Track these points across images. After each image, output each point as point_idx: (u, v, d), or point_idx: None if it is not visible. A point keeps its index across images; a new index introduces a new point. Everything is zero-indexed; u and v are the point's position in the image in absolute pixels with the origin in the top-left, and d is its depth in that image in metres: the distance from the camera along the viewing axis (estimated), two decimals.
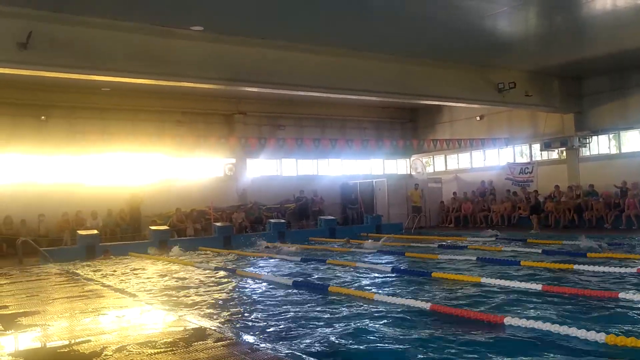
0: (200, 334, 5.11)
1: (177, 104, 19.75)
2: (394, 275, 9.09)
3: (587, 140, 19.23)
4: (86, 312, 6.42)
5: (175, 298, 7.81)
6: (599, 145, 19.25)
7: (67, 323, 5.90)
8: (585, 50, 15.59)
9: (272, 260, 12.16)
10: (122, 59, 11.83)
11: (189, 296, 7.90)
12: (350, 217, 22.11)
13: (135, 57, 11.96)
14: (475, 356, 4.59)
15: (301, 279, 9.01)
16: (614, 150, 18.93)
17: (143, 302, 7.28)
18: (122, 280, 9.96)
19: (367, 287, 8.02)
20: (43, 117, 17.73)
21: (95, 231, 15.09)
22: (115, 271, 11.30)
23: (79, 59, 11.40)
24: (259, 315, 6.44)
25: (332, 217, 19.19)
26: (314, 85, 14.62)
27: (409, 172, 25.45)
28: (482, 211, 20.32)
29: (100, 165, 18.47)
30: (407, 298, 6.82)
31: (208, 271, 10.53)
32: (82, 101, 18.02)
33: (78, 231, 14.91)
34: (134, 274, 10.72)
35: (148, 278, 10.11)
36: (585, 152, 19.47)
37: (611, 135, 18.95)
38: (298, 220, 20.79)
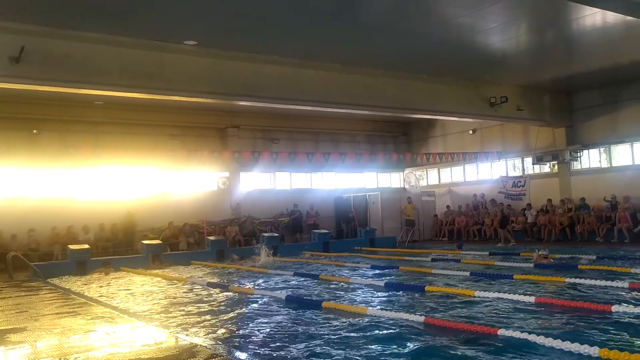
0: (191, 350, 5.05)
1: (171, 118, 19.75)
2: (387, 289, 9.05)
3: (578, 154, 19.37)
4: (76, 329, 6.35)
5: (166, 314, 7.73)
6: (590, 159, 19.39)
7: (56, 340, 5.82)
8: (575, 65, 15.77)
9: (265, 275, 12.10)
10: (116, 74, 11.86)
11: (180, 312, 7.82)
12: (345, 231, 22.07)
13: (129, 72, 11.99)
14: None
15: (294, 294, 8.96)
16: (604, 164, 19.06)
17: (134, 318, 7.21)
18: (112, 295, 9.85)
19: (360, 302, 7.98)
20: (35, 131, 17.67)
21: (87, 246, 14.95)
22: (105, 286, 11.19)
23: (73, 74, 11.43)
24: (251, 331, 6.38)
25: (326, 231, 19.14)
26: (307, 99, 14.68)
27: (402, 186, 25.49)
28: (475, 224, 20.36)
29: (92, 179, 18.37)
30: (400, 312, 6.79)
31: (200, 286, 10.45)
32: (75, 115, 17.96)
33: (69, 246, 14.77)
34: (125, 290, 10.62)
35: (139, 293, 10.01)
36: (576, 165, 19.60)
37: (602, 149, 19.10)
38: (292, 234, 20.74)
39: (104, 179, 18.58)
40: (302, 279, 11.00)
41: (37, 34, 10.77)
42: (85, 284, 11.59)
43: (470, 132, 22.92)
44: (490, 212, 19.89)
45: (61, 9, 10.19)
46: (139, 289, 10.59)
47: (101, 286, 11.22)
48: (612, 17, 11.35)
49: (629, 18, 10.86)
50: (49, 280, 12.38)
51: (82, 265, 13.94)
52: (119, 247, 16.92)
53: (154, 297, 9.41)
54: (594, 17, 11.58)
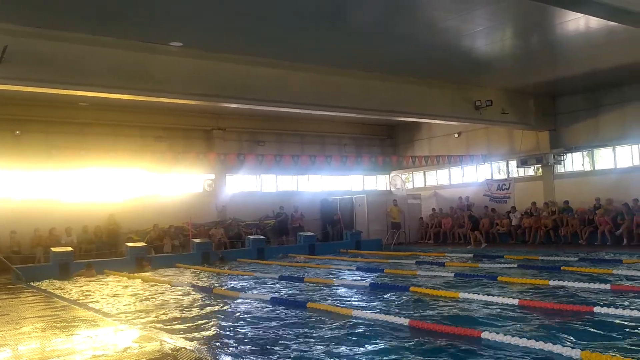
0: (176, 353, 5.02)
1: (157, 120, 19.60)
2: (372, 291, 9.07)
3: (562, 157, 19.57)
4: (57, 332, 6.27)
5: (150, 317, 7.67)
6: (573, 162, 19.62)
7: (37, 343, 5.75)
8: (559, 69, 15.93)
9: (250, 277, 12.06)
10: (102, 75, 11.71)
11: (165, 315, 7.77)
12: (330, 234, 22.07)
13: (115, 73, 11.85)
14: None
15: (279, 296, 8.94)
16: (587, 167, 19.29)
17: (117, 320, 7.14)
18: (96, 298, 9.76)
19: (345, 303, 7.98)
20: (18, 132, 17.43)
21: (69, 248, 14.79)
22: (89, 289, 11.08)
23: (58, 74, 11.26)
24: (236, 334, 6.35)
25: (312, 234, 19.13)
26: (295, 101, 14.65)
27: (388, 188, 25.56)
28: (460, 227, 20.45)
29: (76, 181, 18.14)
30: (385, 314, 6.81)
31: (185, 289, 10.39)
32: (59, 116, 17.73)
33: (51, 248, 14.60)
34: (109, 292, 10.53)
35: (123, 296, 9.94)
36: (560, 169, 19.81)
37: (585, 153, 19.32)
38: (277, 237, 20.69)
39: (88, 181, 18.36)
40: (287, 281, 10.99)
41: (23, 34, 10.59)
42: (68, 287, 11.47)
43: (456, 135, 23.07)
44: (460, 215, 20.27)
45: (47, 10, 10.04)
46: (122, 292, 10.50)
47: (84, 289, 11.11)
48: (595, 22, 11.50)
49: (611, 23, 10.99)
50: (30, 282, 12.24)
51: (64, 267, 13.78)
52: (103, 250, 16.75)
53: (137, 300, 9.34)
54: (577, 22, 11.72)
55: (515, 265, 11.57)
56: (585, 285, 8.31)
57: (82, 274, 13.30)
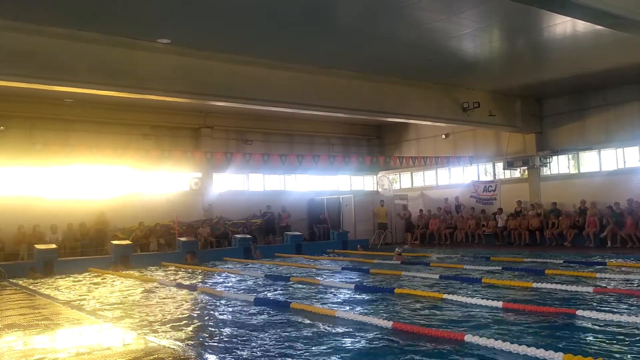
0: (160, 352, 4.99)
1: (144, 117, 19.44)
2: (357, 291, 9.07)
3: (548, 159, 19.74)
4: (40, 331, 6.20)
5: (135, 315, 7.61)
6: (559, 164, 19.80)
7: (20, 342, 5.68)
8: (546, 72, 16.06)
9: (235, 276, 12.02)
10: (85, 71, 11.55)
11: (149, 313, 7.72)
12: (317, 233, 22.07)
13: (98, 69, 11.70)
14: None
15: (263, 296, 8.92)
16: (572, 170, 19.48)
17: (101, 319, 7.08)
18: (80, 296, 9.67)
19: (329, 304, 7.98)
20: (2, 128, 17.19)
21: (54, 245, 14.63)
22: (73, 287, 10.98)
23: (39, 70, 11.08)
24: (220, 333, 6.32)
25: (299, 233, 19.12)
26: (282, 100, 14.62)
27: (375, 189, 25.61)
28: (447, 228, 20.57)
29: (61, 178, 17.95)
30: (369, 315, 6.81)
31: (170, 288, 10.33)
32: (44, 112, 17.52)
33: (35, 245, 14.44)
34: (93, 291, 10.44)
35: (108, 295, 9.86)
36: (546, 171, 19.98)
37: (570, 156, 19.51)
38: (264, 236, 20.65)
39: (73, 178, 18.17)
40: (272, 281, 10.98)
41: (3, 28, 10.45)
42: (52, 285, 11.36)
43: (443, 136, 23.17)
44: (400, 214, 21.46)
45: (29, 2, 9.93)
46: (106, 290, 10.42)
47: (70, 287, 11.01)
48: (582, 25, 11.59)
49: (598, 27, 11.08)
50: (13, 280, 12.10)
51: (49, 265, 13.66)
52: (88, 247, 16.59)
53: (122, 299, 9.26)
54: (564, 26, 11.82)
55: (500, 268, 11.62)
56: (569, 287, 8.38)
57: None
